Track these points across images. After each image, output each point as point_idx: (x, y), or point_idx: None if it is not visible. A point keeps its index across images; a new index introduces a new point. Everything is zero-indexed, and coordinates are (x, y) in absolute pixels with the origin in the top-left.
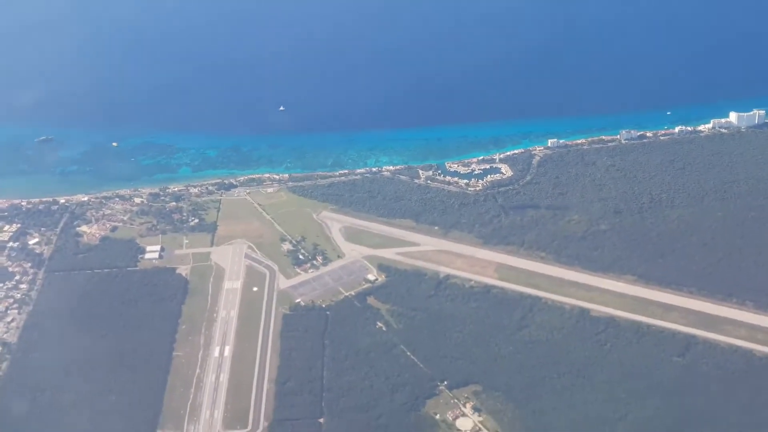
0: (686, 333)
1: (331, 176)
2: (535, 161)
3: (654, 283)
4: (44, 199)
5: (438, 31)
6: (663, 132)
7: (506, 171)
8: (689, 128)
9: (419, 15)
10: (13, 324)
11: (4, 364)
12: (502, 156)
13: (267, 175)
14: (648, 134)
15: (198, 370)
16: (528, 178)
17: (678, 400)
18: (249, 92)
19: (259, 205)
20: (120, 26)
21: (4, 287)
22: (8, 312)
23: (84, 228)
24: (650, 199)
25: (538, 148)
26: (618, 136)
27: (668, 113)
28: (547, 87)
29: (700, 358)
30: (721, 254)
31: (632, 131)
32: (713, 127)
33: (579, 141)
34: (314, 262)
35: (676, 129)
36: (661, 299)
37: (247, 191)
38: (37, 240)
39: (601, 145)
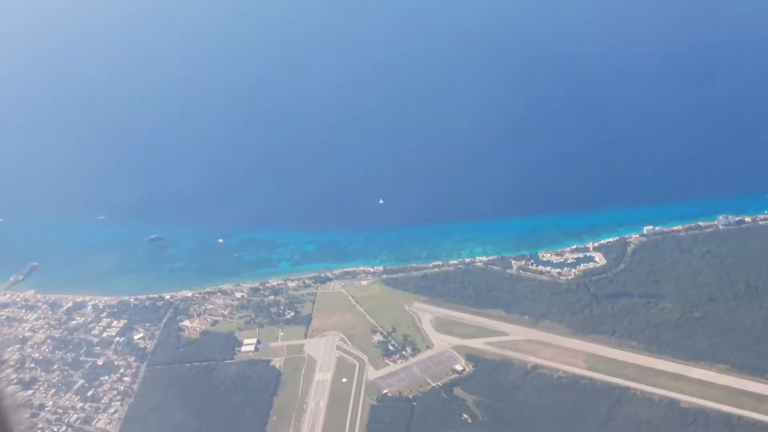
0: None
1: (424, 268)
2: (629, 249)
3: (747, 373)
4: (151, 296)
5: (531, 122)
6: (763, 216)
7: (600, 259)
8: None
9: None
10: (116, 415)
11: None
12: (596, 245)
13: (362, 268)
14: (747, 219)
15: None
16: (622, 266)
17: None
18: (349, 186)
19: (353, 297)
20: (222, 123)
21: (109, 380)
22: (111, 404)
23: (186, 323)
24: (746, 286)
25: (633, 236)
26: (716, 222)
27: None
28: (643, 173)
29: None
30: None
31: (730, 216)
32: None
33: (675, 228)
34: (403, 352)
35: None
36: (753, 389)
37: (342, 284)
38: (141, 335)
39: (698, 231)
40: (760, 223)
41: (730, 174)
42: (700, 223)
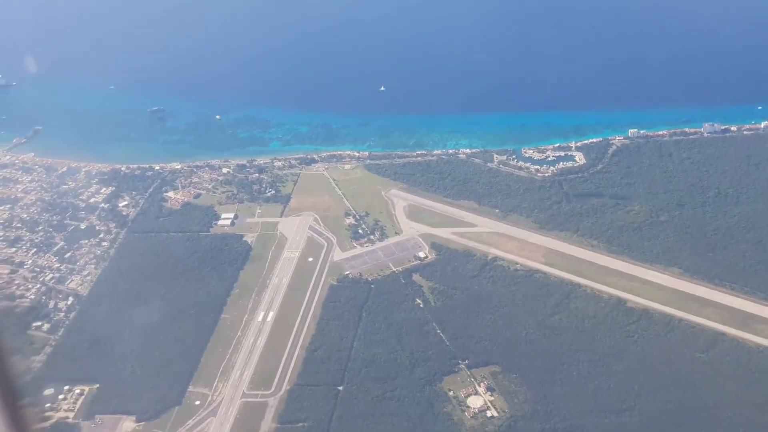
0: (716, 330)
1: (408, 156)
2: (611, 150)
3: (698, 278)
4: (142, 165)
5: (529, 23)
6: (748, 127)
7: (580, 159)
8: None
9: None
10: (88, 278)
11: (72, 314)
12: (579, 144)
13: (348, 152)
14: (732, 128)
15: (239, 333)
16: (599, 166)
17: (691, 396)
18: (353, 71)
19: (334, 180)
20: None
21: (88, 244)
22: (86, 266)
23: (170, 194)
24: (716, 194)
25: (617, 138)
26: (701, 129)
27: (759, 108)
28: (635, 77)
29: (723, 355)
30: None
31: (716, 124)
32: None
33: (660, 132)
34: (371, 237)
35: (762, 124)
36: (700, 294)
37: (326, 167)
38: (126, 202)
39: (682, 138)
40: (745, 132)
41: (724, 83)
42: (686, 129)
